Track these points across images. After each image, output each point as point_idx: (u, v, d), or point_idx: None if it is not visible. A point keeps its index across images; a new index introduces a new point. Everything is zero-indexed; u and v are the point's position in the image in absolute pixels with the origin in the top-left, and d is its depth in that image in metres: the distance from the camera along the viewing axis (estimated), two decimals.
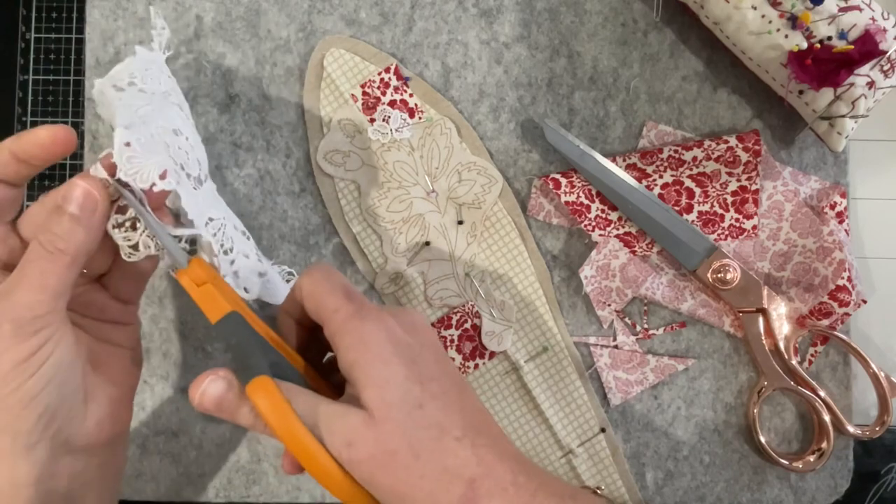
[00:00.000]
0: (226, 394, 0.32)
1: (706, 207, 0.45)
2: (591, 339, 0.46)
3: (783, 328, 0.45)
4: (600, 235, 0.45)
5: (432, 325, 0.45)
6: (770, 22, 0.40)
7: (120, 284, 0.37)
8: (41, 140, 0.32)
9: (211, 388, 0.32)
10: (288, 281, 0.44)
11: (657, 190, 0.45)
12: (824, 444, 0.44)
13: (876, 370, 0.44)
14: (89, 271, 0.36)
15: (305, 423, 0.30)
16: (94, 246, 0.32)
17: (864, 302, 0.43)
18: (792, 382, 0.44)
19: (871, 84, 0.40)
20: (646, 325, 0.46)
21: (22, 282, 0.31)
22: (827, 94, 0.40)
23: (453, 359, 0.45)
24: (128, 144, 0.31)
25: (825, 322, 0.44)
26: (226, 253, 0.37)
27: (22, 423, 0.30)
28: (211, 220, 0.37)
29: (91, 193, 0.32)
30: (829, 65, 0.39)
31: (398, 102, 0.45)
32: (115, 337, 0.36)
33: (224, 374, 0.32)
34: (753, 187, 0.45)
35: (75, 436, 0.33)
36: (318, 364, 0.36)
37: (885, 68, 0.40)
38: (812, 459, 0.44)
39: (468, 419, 0.32)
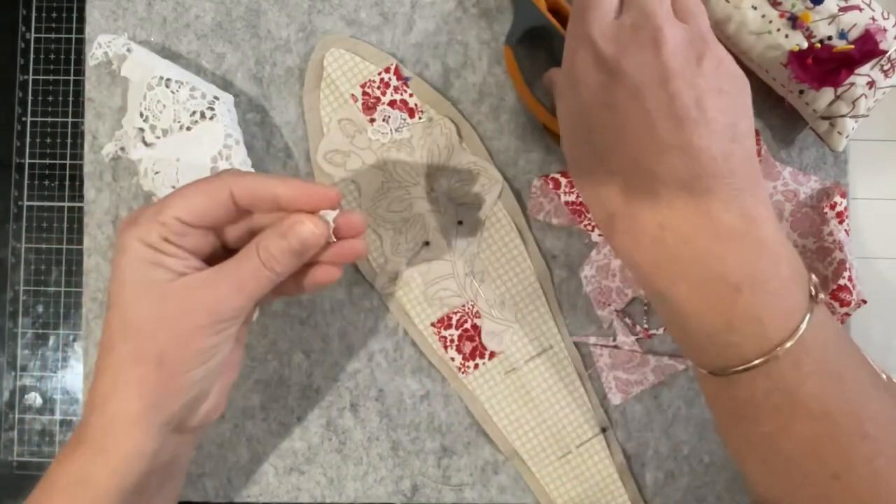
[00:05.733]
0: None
1: None
2: (591, 339, 0.46)
3: None
4: (600, 235, 0.45)
5: (432, 324, 0.45)
6: (770, 22, 0.40)
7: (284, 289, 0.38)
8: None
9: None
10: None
11: None
12: None
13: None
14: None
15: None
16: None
17: (864, 302, 0.43)
18: None
19: (871, 84, 0.40)
20: (646, 325, 0.46)
21: (230, 280, 0.33)
22: (827, 93, 0.40)
23: (453, 359, 0.45)
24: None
25: None
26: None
27: (173, 403, 0.33)
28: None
29: (317, 237, 0.34)
30: (829, 64, 0.39)
31: (398, 102, 0.45)
32: (241, 332, 0.38)
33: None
34: None
35: (191, 419, 0.35)
36: None
37: (886, 68, 0.40)
38: None
39: (630, 181, 0.33)
